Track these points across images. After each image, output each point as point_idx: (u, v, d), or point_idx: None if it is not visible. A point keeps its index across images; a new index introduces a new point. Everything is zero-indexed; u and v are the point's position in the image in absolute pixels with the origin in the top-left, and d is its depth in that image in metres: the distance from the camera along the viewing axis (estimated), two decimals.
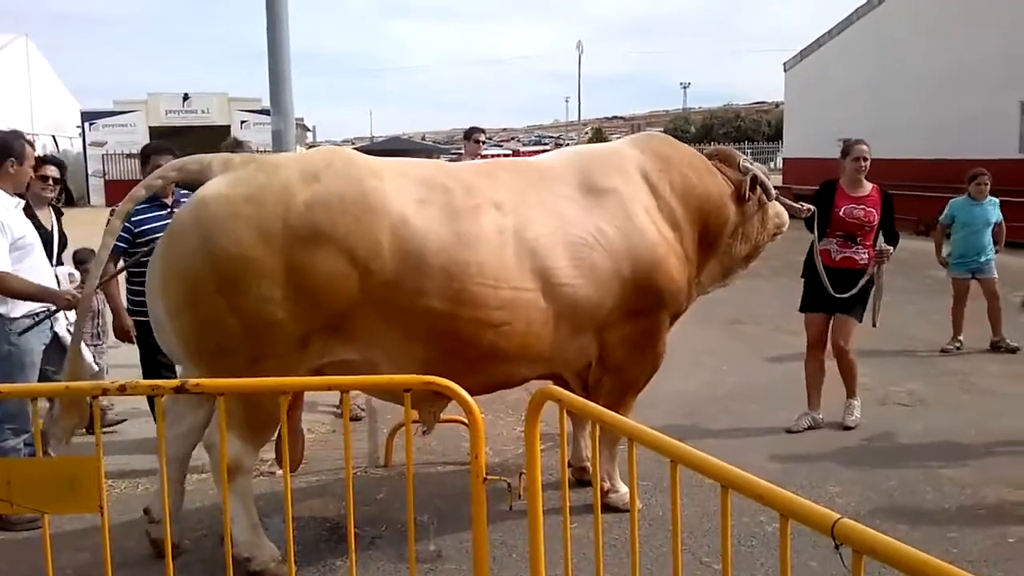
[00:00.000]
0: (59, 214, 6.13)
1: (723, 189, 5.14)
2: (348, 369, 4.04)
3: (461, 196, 4.16)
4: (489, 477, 2.93)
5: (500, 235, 4.16)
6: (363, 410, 6.66)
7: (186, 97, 38.33)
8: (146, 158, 5.78)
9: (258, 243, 3.75)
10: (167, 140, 7.73)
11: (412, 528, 3.07)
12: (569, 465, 5.22)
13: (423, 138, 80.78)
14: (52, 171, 5.91)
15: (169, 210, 5.35)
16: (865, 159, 6.35)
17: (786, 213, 5.65)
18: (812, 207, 6.05)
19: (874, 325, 6.48)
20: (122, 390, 2.93)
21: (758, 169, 5.37)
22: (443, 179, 4.25)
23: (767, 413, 6.70)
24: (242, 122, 38.74)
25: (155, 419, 3.21)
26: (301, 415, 5.15)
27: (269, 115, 8.98)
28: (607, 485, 4.83)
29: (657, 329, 4.79)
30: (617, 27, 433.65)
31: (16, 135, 5.04)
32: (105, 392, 3.02)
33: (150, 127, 36.96)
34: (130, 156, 36.28)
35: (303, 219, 3.82)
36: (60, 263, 5.91)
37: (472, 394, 4.69)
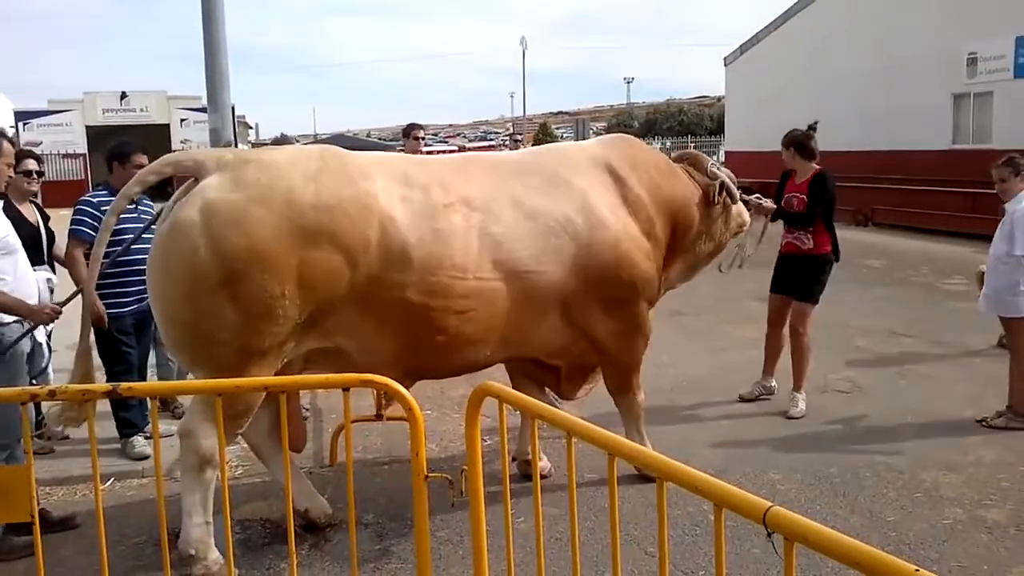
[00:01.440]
0: (44, 213, 6.01)
1: (690, 191, 5.40)
2: (320, 358, 4.29)
3: (437, 193, 4.38)
4: (431, 475, 2.92)
5: (467, 230, 4.38)
6: (307, 410, 6.59)
7: (124, 96, 37.62)
8: (125, 156, 5.72)
9: (266, 242, 3.90)
10: (104, 139, 7.59)
11: (353, 527, 3.05)
12: (514, 459, 5.36)
13: (368, 135, 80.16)
14: (32, 165, 5.77)
15: (135, 205, 5.38)
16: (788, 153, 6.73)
17: (747, 212, 5.98)
18: (772, 205, 6.42)
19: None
20: (52, 395, 2.86)
21: (725, 174, 5.60)
22: (422, 177, 4.43)
23: (710, 404, 6.79)
24: (182, 120, 38.12)
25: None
26: (299, 400, 5.24)
27: None
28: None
29: (639, 316, 5.08)
30: (560, 23, 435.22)
31: None
32: (34, 398, 2.94)
33: (87, 126, 36.21)
34: (67, 156, 35.53)
35: (306, 219, 3.98)
36: (46, 262, 5.79)
37: (443, 376, 4.85)
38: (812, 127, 6.92)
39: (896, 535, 4.50)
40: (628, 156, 5.18)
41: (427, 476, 2.89)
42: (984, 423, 6.14)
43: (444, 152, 28.38)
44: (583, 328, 4.89)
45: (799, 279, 6.62)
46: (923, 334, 8.91)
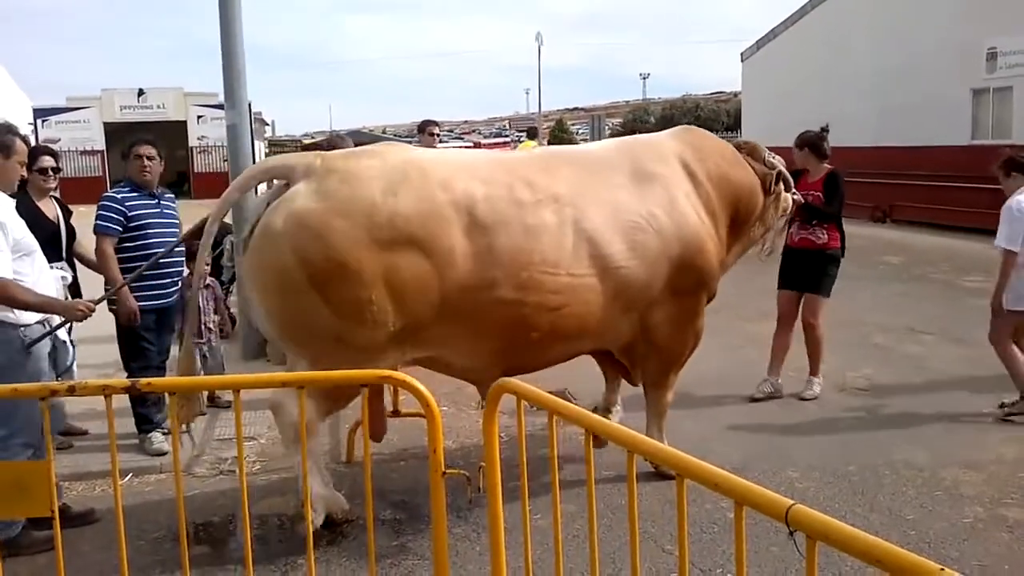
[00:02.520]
0: (65, 208, 6.04)
1: (752, 180, 5.53)
2: (426, 364, 4.61)
3: (522, 191, 4.49)
4: (448, 471, 2.91)
5: (560, 226, 4.51)
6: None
7: (141, 93, 37.77)
8: (128, 149, 5.81)
9: (346, 252, 4.09)
10: (122, 136, 7.66)
11: (371, 523, 3.05)
12: (595, 410, 5.43)
13: (384, 131, 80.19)
14: (49, 161, 5.79)
15: (157, 200, 5.81)
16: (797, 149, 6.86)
17: (790, 198, 6.00)
18: (801, 197, 6.37)
19: (760, 258, 6.23)
20: (71, 391, 2.87)
21: (780, 163, 5.76)
22: (505, 177, 4.54)
23: (727, 401, 6.77)
24: (199, 117, 38.24)
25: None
26: (383, 391, 5.35)
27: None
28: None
29: (697, 308, 5.17)
30: (575, 19, 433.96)
31: (5, 128, 4.66)
32: (54, 393, 2.96)
33: (104, 123, 36.37)
34: (85, 153, 35.75)
35: (386, 230, 4.15)
36: (65, 258, 5.80)
37: (534, 371, 4.92)
38: (824, 129, 7.13)
39: (916, 533, 4.47)
40: (698, 148, 5.30)
41: (444, 472, 2.89)
42: (1003, 407, 6.27)
43: (459, 148, 28.29)
44: (644, 319, 4.96)
45: (811, 273, 6.76)
46: (942, 331, 8.83)
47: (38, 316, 4.43)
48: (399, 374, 2.95)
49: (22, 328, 4.35)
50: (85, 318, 4.52)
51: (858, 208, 18.52)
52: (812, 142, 6.84)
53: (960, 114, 20.17)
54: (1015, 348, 6.30)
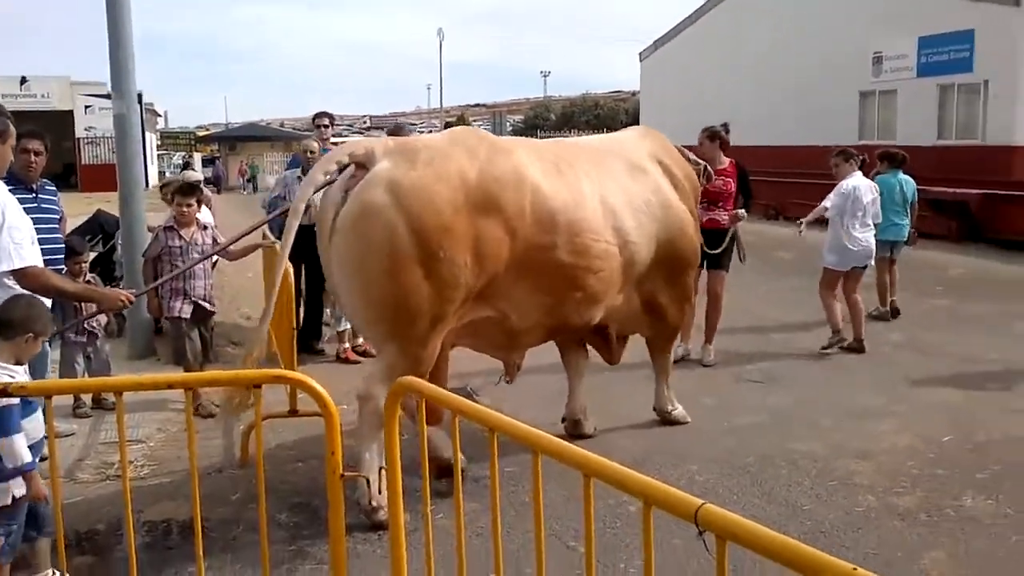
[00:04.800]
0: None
1: (694, 174, 6.23)
2: (468, 336, 4.98)
3: (565, 167, 4.96)
4: (347, 473, 2.80)
5: (594, 199, 4.98)
6: (217, 406, 6.36)
7: (24, 80, 36.02)
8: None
9: (452, 215, 4.36)
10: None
11: (264, 528, 2.92)
12: (563, 420, 5.95)
13: (282, 124, 78.54)
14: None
15: (35, 195, 5.37)
16: (708, 140, 7.83)
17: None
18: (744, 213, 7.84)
19: (742, 260, 7.94)
20: None
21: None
22: (547, 154, 5.03)
23: (628, 396, 6.78)
24: (86, 107, 36.72)
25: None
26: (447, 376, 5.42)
27: None
28: (668, 409, 6.07)
29: (690, 283, 5.96)
30: (477, 15, 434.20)
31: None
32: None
33: None
34: None
35: (478, 193, 4.47)
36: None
37: (567, 335, 5.51)
38: (725, 125, 8.03)
39: (812, 523, 4.55)
40: (666, 147, 5.96)
41: (343, 475, 2.78)
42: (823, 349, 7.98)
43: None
44: (649, 296, 5.57)
45: (722, 250, 7.63)
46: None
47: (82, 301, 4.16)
48: (294, 373, 2.83)
49: None
50: (124, 308, 4.39)
51: (753, 206, 18.99)
52: (720, 135, 7.72)
53: (848, 115, 20.94)
54: (832, 297, 8.19)
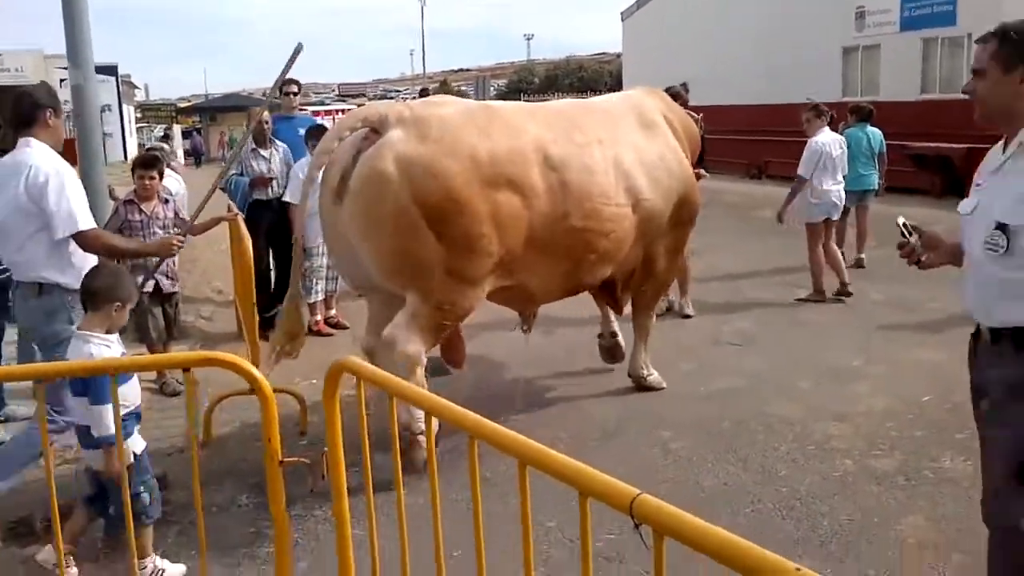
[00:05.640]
0: None
1: (694, 127, 6.45)
2: (498, 297, 5.12)
3: (577, 135, 5.08)
4: (286, 460, 2.65)
5: (605, 164, 5.11)
6: (181, 384, 6.20)
7: None
8: None
9: (460, 189, 4.48)
10: None
11: (201, 514, 2.77)
12: (600, 335, 6.49)
13: (264, 94, 77.33)
14: None
15: None
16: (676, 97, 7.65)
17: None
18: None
19: None
20: None
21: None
22: (561, 122, 5.13)
23: (600, 365, 6.64)
24: (61, 80, 36.03)
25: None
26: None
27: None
28: (643, 374, 6.01)
29: (685, 239, 6.04)
30: None
31: (49, 87, 4.56)
32: None
33: None
34: None
35: (487, 170, 4.58)
36: None
37: (582, 291, 5.69)
38: (684, 85, 8.25)
39: (788, 490, 4.43)
40: (670, 105, 6.15)
41: (282, 461, 2.62)
42: (799, 300, 8.32)
43: (344, 111, 27.24)
44: (650, 250, 5.63)
45: None
46: (809, 283, 8.88)
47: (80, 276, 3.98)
48: (227, 355, 2.67)
49: (72, 292, 4.09)
50: (178, 251, 4.66)
51: (735, 165, 18.82)
52: (680, 95, 7.59)
53: (831, 72, 20.67)
54: (821, 254, 8.39)
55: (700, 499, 4.37)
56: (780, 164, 19.55)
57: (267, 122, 7.71)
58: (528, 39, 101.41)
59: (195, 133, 46.73)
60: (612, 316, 6.43)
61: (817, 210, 8.50)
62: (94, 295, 3.63)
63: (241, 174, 7.56)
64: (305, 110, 10.80)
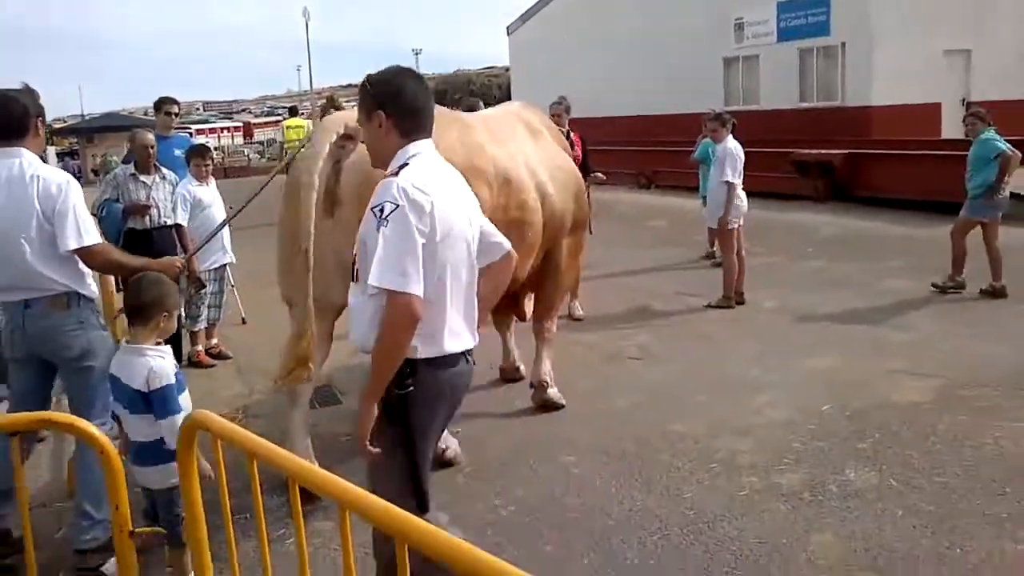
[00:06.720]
0: None
1: (565, 142, 6.64)
2: None
3: (498, 136, 5.37)
4: (137, 530, 2.30)
5: (520, 159, 5.38)
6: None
7: None
8: None
9: None
10: None
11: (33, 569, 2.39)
12: (502, 369, 6.55)
13: (146, 113, 74.69)
14: None
15: None
16: (558, 114, 8.33)
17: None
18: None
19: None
20: None
21: None
22: (484, 126, 5.37)
23: (501, 386, 6.42)
24: None
25: None
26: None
27: None
28: (547, 381, 5.94)
29: (582, 240, 6.21)
30: None
31: (32, 90, 4.26)
32: None
33: None
34: None
35: (465, 161, 4.62)
36: None
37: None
38: (562, 99, 8.71)
39: (694, 513, 4.27)
40: (542, 118, 6.43)
41: (132, 532, 2.28)
42: (709, 306, 8.44)
43: (228, 128, 26.35)
44: (553, 250, 5.75)
45: None
46: (706, 292, 8.85)
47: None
48: (64, 416, 2.32)
49: (91, 304, 4.12)
50: (181, 274, 4.46)
51: (623, 176, 18.92)
52: (560, 114, 8.37)
53: (713, 82, 21.08)
54: (735, 261, 8.50)
55: (608, 527, 4.17)
56: (669, 174, 19.79)
57: (152, 146, 7.14)
58: (416, 53, 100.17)
59: (66, 158, 44.45)
60: (513, 345, 6.51)
61: (736, 214, 8.62)
62: (146, 307, 3.60)
63: (117, 200, 6.99)
64: (189, 129, 10.20)
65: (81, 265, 4.03)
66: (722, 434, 5.23)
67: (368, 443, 2.68)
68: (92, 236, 4.01)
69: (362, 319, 2.80)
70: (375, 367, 2.70)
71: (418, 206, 2.72)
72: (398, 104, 2.93)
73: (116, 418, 3.72)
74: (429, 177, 2.84)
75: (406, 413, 2.76)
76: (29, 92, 4.22)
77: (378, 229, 2.67)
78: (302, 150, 4.82)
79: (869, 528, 4.00)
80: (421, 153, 2.95)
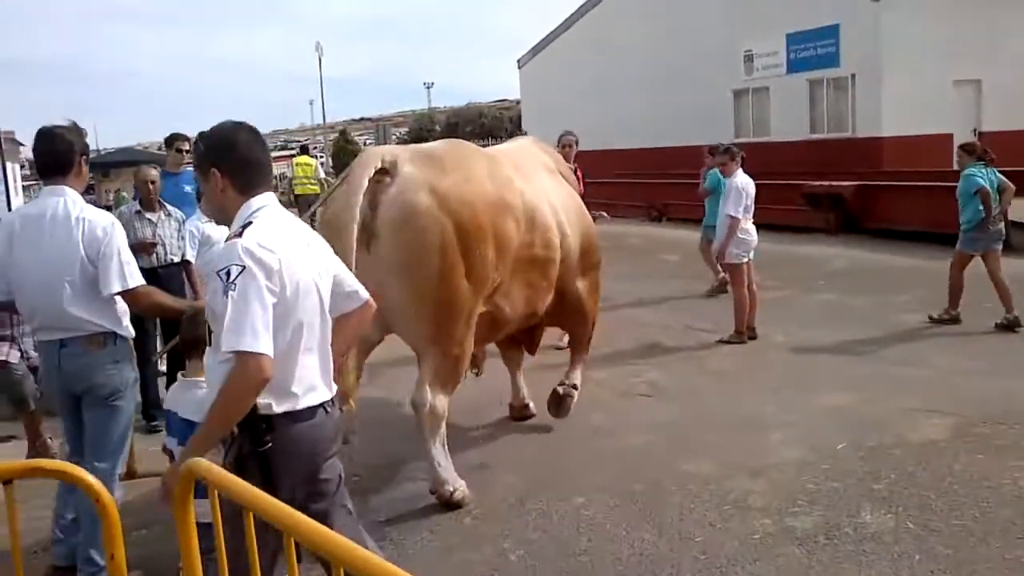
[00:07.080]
0: None
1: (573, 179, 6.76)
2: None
3: (523, 171, 5.44)
4: None
5: (544, 197, 5.44)
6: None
7: None
8: None
9: (482, 213, 4.76)
10: None
11: None
12: (511, 406, 6.49)
13: (160, 148, 75.29)
14: None
15: None
16: (568, 146, 8.80)
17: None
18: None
19: None
20: None
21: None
22: (509, 160, 5.43)
23: (504, 426, 6.33)
24: None
25: None
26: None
27: None
28: (573, 392, 6.11)
29: (598, 277, 6.25)
30: (356, 28, 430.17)
31: (78, 126, 4.28)
32: None
33: None
34: None
35: (495, 194, 4.89)
36: None
37: (528, 324, 5.84)
38: (568, 132, 9.12)
39: (706, 558, 4.18)
40: (554, 154, 6.57)
41: None
42: (721, 341, 8.35)
43: None
44: (573, 286, 5.83)
45: None
46: (719, 327, 8.77)
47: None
48: (57, 464, 2.27)
49: (127, 343, 4.18)
50: None
51: (634, 208, 18.93)
52: (571, 144, 8.81)
53: (723, 114, 21.15)
54: (746, 296, 8.40)
55: (619, 572, 4.09)
56: (680, 206, 19.77)
57: (154, 182, 7.10)
58: (428, 87, 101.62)
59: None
60: (522, 383, 6.48)
61: (743, 249, 8.51)
62: (201, 341, 3.64)
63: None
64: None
65: (120, 306, 4.06)
66: (735, 474, 5.15)
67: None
68: (136, 279, 4.03)
69: (215, 383, 2.70)
70: (209, 424, 2.63)
71: (266, 266, 2.65)
72: (231, 160, 2.87)
73: (170, 453, 3.73)
74: (274, 233, 2.76)
75: (267, 471, 2.67)
76: (75, 129, 4.26)
77: (225, 293, 2.59)
78: (340, 187, 4.83)
79: (886, 573, 3.91)
80: (265, 207, 2.86)
